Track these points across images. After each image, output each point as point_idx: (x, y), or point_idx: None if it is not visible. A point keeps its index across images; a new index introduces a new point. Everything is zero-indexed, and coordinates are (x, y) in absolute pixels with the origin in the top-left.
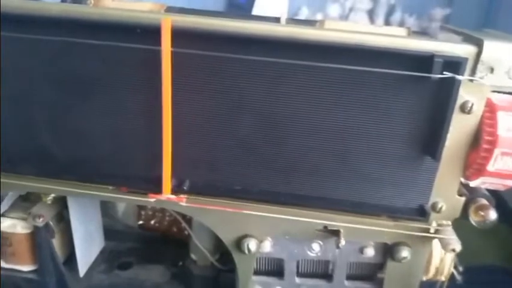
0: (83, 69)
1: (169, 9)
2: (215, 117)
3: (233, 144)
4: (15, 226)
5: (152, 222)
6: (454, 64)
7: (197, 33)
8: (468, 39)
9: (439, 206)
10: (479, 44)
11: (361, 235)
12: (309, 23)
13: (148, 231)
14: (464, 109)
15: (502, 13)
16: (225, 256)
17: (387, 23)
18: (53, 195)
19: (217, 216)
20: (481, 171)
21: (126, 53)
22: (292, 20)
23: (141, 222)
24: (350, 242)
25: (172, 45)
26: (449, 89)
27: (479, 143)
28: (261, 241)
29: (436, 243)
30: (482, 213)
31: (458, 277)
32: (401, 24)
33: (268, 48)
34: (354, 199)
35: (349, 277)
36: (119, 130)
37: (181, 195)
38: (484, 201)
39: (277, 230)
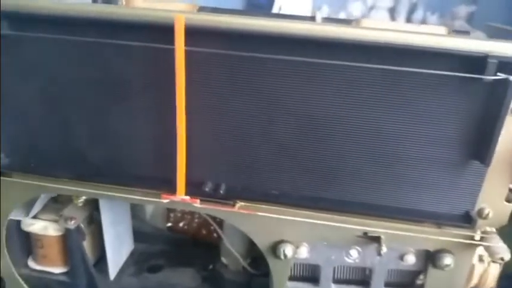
0: (116, 70)
1: (202, 9)
2: (252, 119)
3: (272, 148)
4: (46, 228)
5: (181, 224)
6: (510, 65)
7: (236, 33)
8: None
9: (486, 212)
10: None
11: (402, 242)
12: (345, 22)
13: (177, 233)
14: None
15: None
16: (256, 261)
17: (409, 21)
18: (84, 197)
19: (252, 221)
20: None
21: (160, 55)
22: (328, 19)
23: (169, 224)
24: (390, 249)
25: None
26: (503, 90)
27: None
28: (297, 246)
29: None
30: None
31: None
32: (423, 22)
33: (308, 48)
34: (397, 205)
35: (387, 284)
36: (154, 132)
37: (195, 197)
38: None
39: (314, 236)
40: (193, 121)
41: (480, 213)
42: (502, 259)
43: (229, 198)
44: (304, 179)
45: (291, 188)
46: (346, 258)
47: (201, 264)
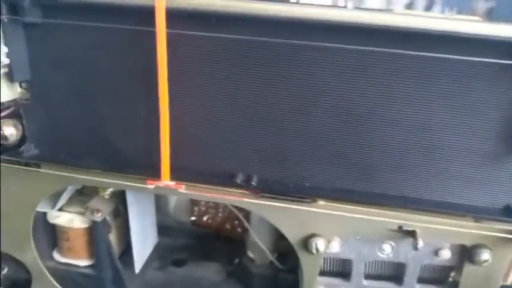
0: (148, 60)
1: None
2: (287, 109)
3: (306, 139)
4: (72, 221)
5: (205, 218)
6: None
7: (274, 20)
8: None
9: None
10: None
11: (438, 236)
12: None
13: (200, 227)
14: None
15: None
16: (283, 255)
17: None
18: (110, 189)
19: (284, 214)
20: None
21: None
22: (360, 8)
23: (193, 218)
24: (425, 244)
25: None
26: None
27: None
28: (329, 241)
29: None
30: None
31: None
32: None
33: (348, 36)
34: (436, 198)
35: (420, 280)
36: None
37: (181, 182)
38: None
39: (347, 230)
40: (222, 111)
41: None
42: None
43: (261, 190)
44: (339, 171)
45: (325, 181)
46: (379, 253)
47: (226, 258)
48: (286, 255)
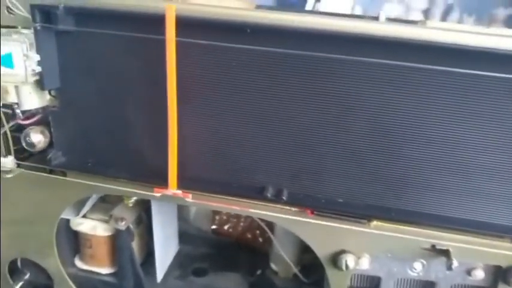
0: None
1: (259, 7)
2: (320, 124)
3: (339, 154)
4: (95, 228)
5: (226, 227)
6: None
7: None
8: None
9: None
10: None
11: (472, 256)
12: (410, 22)
13: (221, 236)
14: None
15: None
16: (307, 268)
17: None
18: (135, 197)
19: (314, 229)
20: None
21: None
22: (392, 20)
23: (214, 226)
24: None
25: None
26: None
27: None
28: (359, 257)
29: None
30: None
31: None
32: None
33: (383, 50)
34: (470, 217)
35: None
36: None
37: (187, 191)
38: None
39: (378, 247)
40: (256, 125)
41: None
42: None
43: (292, 204)
44: (373, 188)
45: (357, 197)
46: (409, 271)
47: (248, 269)
48: (310, 268)
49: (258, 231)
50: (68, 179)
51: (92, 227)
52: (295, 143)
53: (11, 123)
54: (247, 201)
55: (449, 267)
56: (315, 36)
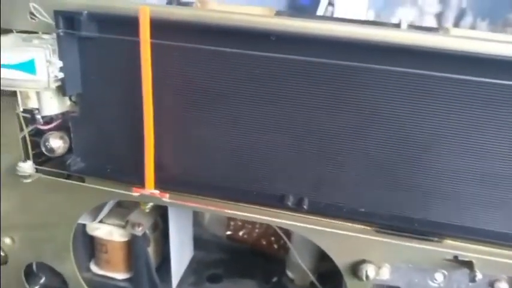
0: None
1: (279, 13)
2: (341, 130)
3: (362, 163)
4: (112, 233)
5: (241, 233)
6: None
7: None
8: None
9: None
10: None
11: (496, 268)
12: (431, 30)
13: (236, 242)
14: None
15: None
16: (324, 276)
17: (457, 27)
18: (151, 203)
19: (335, 239)
20: None
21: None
22: (414, 27)
23: (229, 232)
24: None
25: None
26: None
27: None
28: (379, 267)
29: None
30: None
31: None
32: (471, 29)
33: (408, 59)
34: (496, 229)
35: None
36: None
37: (165, 191)
38: None
39: (400, 257)
40: (277, 133)
41: None
42: None
43: (313, 213)
44: (397, 198)
45: (381, 207)
46: (430, 282)
47: (263, 276)
48: (327, 277)
49: (273, 238)
50: (86, 184)
51: (108, 232)
52: (319, 152)
53: (30, 128)
54: (226, 202)
55: (473, 279)
56: (342, 44)
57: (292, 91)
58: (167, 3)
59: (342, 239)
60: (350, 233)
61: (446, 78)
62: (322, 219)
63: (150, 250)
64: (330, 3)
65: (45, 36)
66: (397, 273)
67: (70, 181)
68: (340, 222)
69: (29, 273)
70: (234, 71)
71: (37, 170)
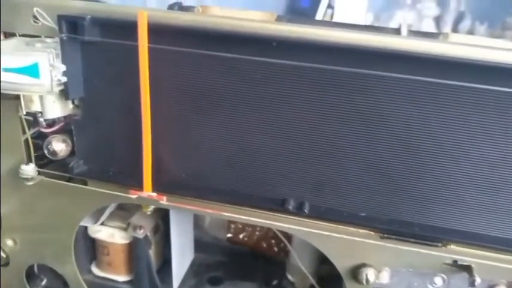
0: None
1: (280, 18)
2: (343, 135)
3: (363, 167)
4: (113, 236)
5: (241, 236)
6: None
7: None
8: None
9: None
10: None
11: (495, 273)
12: (432, 35)
13: (236, 244)
14: None
15: None
16: (324, 279)
17: (455, 31)
18: (153, 206)
19: (335, 242)
20: None
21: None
22: (415, 33)
23: (229, 235)
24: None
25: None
26: None
27: None
28: (379, 271)
29: None
30: None
31: None
32: (470, 32)
33: (414, 66)
34: (497, 234)
35: None
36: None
37: (163, 194)
38: None
39: (400, 262)
40: (278, 137)
41: None
42: None
43: (314, 217)
44: (397, 202)
45: (381, 211)
46: (430, 286)
47: (263, 279)
48: (327, 280)
49: (273, 241)
50: (88, 187)
51: (110, 234)
52: (321, 156)
53: (32, 131)
54: (225, 205)
55: (472, 284)
56: (346, 51)
57: (293, 96)
58: (168, 8)
59: (342, 242)
60: (350, 237)
61: (447, 85)
62: (323, 223)
63: (152, 252)
64: (330, 6)
65: (48, 40)
66: (397, 277)
67: (72, 184)
68: (340, 227)
69: (31, 275)
70: (235, 76)
71: (39, 173)
